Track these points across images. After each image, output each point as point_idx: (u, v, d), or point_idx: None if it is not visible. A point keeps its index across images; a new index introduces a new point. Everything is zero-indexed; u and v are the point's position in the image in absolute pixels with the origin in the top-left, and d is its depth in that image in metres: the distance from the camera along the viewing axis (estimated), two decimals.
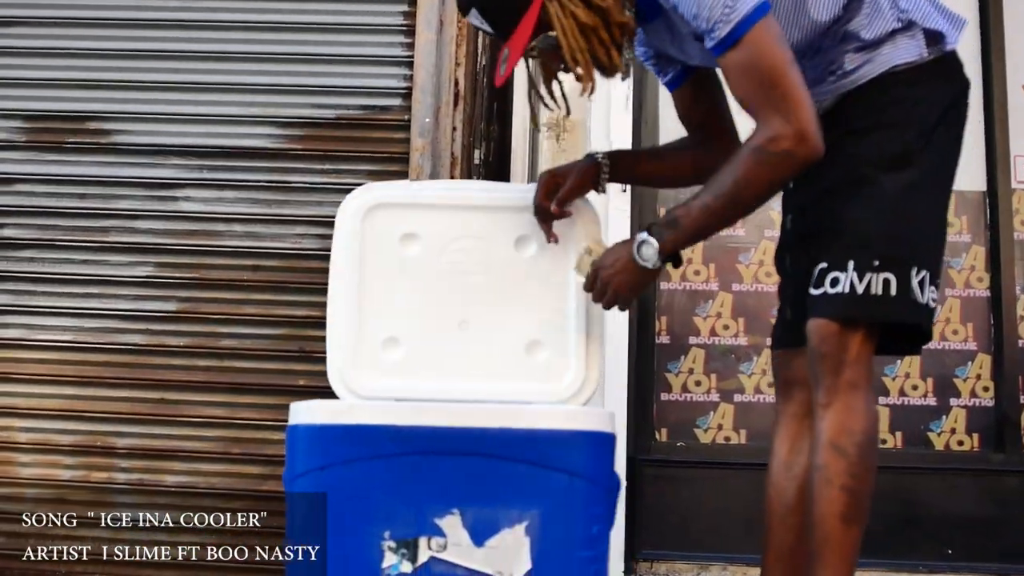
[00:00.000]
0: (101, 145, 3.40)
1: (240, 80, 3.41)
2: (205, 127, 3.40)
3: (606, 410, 2.00)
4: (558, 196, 2.20)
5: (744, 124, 2.26)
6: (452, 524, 1.85)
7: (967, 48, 3.87)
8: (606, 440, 1.92)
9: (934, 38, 2.03)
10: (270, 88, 3.41)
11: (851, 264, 1.95)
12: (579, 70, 2.03)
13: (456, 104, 3.40)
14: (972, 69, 3.79)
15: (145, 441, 3.23)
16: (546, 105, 2.26)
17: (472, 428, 1.88)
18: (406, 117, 3.37)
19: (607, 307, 2.07)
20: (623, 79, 2.14)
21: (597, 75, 2.08)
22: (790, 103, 1.88)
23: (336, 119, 3.39)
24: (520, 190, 2.41)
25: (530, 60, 2.16)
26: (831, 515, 1.93)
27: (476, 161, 3.52)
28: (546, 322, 2.25)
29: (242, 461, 3.21)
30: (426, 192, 2.38)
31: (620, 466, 3.37)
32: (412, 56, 3.41)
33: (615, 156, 2.32)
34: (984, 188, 3.82)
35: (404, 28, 3.43)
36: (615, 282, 2.03)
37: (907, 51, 2.01)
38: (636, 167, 2.46)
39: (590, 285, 2.08)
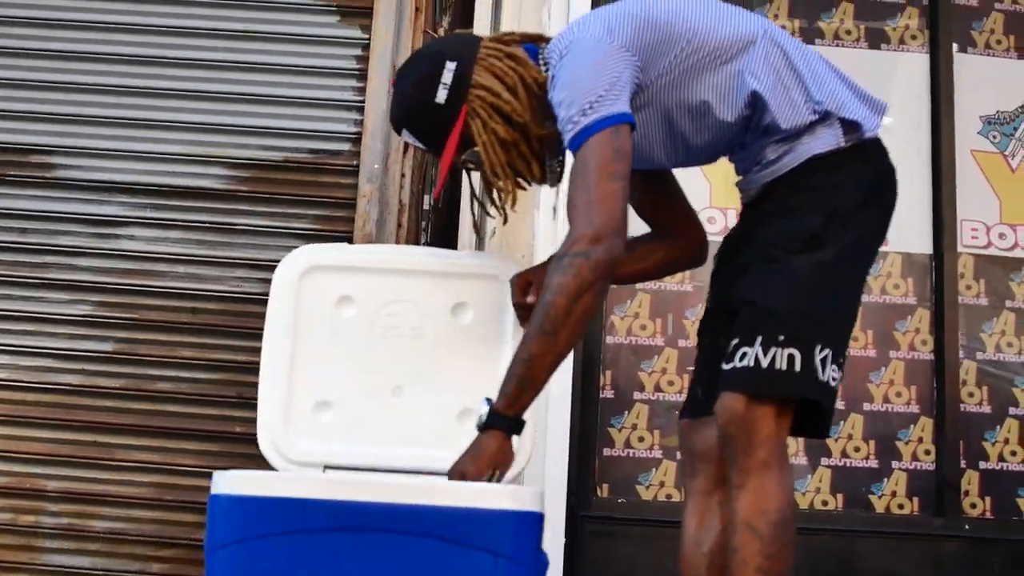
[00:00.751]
0: (45, 179, 3.36)
1: (189, 119, 3.38)
2: (152, 165, 3.36)
3: (535, 488, 1.96)
4: (534, 288, 2.19)
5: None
6: None
7: (917, 112, 3.93)
8: (533, 520, 1.89)
9: (852, 126, 2.07)
10: (219, 128, 3.38)
11: (759, 339, 1.96)
12: (499, 183, 2.10)
13: (406, 151, 3.39)
14: (922, 133, 3.89)
15: (75, 484, 3.18)
16: (488, 213, 2.29)
17: (395, 504, 1.84)
18: (355, 162, 3.36)
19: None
20: (552, 186, 2.23)
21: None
22: (596, 207, 1.91)
23: (284, 162, 3.37)
24: (459, 256, 2.40)
25: (471, 173, 2.25)
26: None
27: (425, 207, 3.50)
28: (479, 390, 2.22)
29: (175, 508, 3.16)
30: (363, 255, 2.35)
31: (560, 521, 3.36)
32: (364, 101, 3.39)
33: None
34: (931, 251, 3.83)
35: (357, 72, 3.41)
36: (460, 463, 1.93)
37: (825, 141, 2.05)
38: None
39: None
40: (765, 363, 1.94)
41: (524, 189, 2.23)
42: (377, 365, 2.27)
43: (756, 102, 2.05)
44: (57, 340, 3.26)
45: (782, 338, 1.95)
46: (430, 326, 2.28)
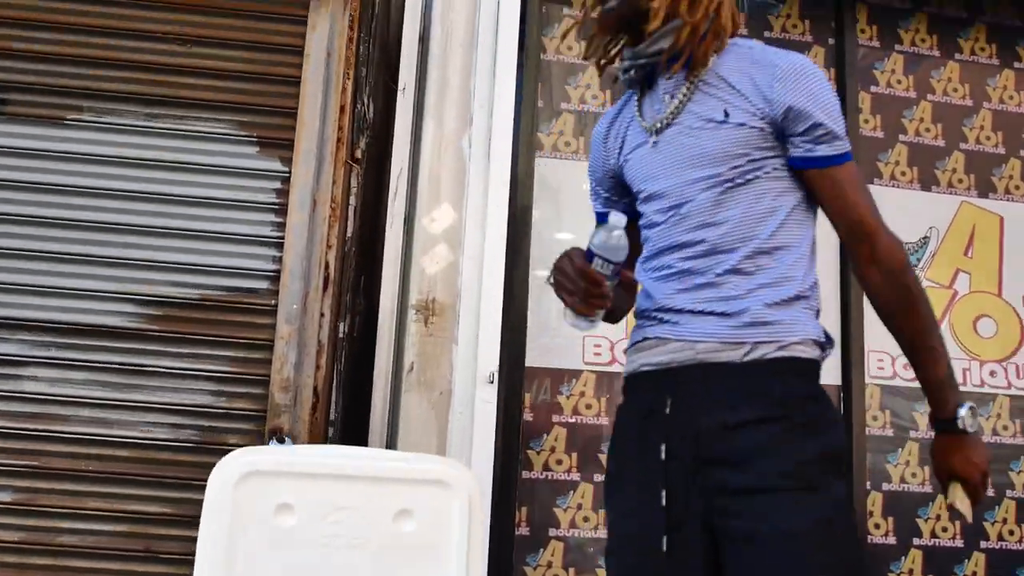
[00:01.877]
0: None
1: (97, 252, 3.23)
2: (56, 301, 3.19)
3: None
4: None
5: None
6: None
7: (827, 243, 4.02)
8: None
9: (829, 340, 1.91)
10: (128, 263, 3.23)
11: None
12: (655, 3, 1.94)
13: (325, 289, 3.30)
14: (832, 263, 3.96)
15: None
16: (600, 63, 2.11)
17: None
18: (273, 301, 3.25)
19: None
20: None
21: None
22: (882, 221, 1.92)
23: (199, 300, 3.24)
24: (403, 460, 2.31)
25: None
26: None
27: (340, 335, 3.41)
28: None
29: None
30: (303, 460, 2.26)
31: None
32: (283, 236, 3.29)
33: None
34: (839, 383, 3.91)
35: (276, 206, 3.31)
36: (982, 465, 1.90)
37: (814, 327, 1.88)
38: None
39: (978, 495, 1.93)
40: None
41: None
42: None
43: (786, 205, 1.92)
44: None
45: None
46: (373, 535, 2.20)
